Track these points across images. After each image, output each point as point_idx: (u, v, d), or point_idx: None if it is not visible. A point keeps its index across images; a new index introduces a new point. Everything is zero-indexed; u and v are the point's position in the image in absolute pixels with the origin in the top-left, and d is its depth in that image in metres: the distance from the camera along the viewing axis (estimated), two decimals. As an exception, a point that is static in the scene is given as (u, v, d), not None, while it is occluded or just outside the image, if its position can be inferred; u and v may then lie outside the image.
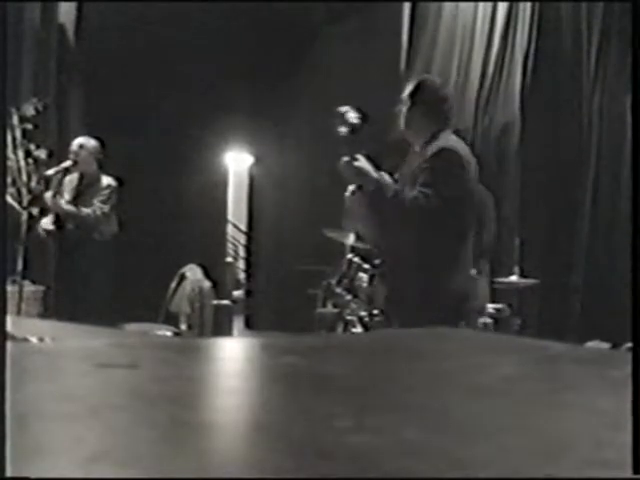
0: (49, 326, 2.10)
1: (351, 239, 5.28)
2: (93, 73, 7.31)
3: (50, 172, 5.80)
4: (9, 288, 5.41)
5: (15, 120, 6.47)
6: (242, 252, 8.93)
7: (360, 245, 5.01)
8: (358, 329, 4.41)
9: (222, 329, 7.00)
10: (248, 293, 8.76)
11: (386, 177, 3.46)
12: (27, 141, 6.57)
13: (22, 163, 6.50)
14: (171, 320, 6.65)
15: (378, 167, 3.48)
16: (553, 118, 6.50)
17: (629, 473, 0.59)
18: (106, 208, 5.73)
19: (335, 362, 1.10)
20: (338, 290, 4.85)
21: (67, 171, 5.70)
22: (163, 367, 1.02)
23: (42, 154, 6.56)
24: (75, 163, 5.68)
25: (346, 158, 3.36)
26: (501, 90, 6.70)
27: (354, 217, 3.64)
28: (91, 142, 5.83)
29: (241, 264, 8.87)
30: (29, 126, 6.60)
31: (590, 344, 4.92)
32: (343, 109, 3.41)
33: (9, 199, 6.10)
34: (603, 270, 6.08)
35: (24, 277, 5.68)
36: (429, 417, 0.77)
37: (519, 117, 6.54)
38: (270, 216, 8.83)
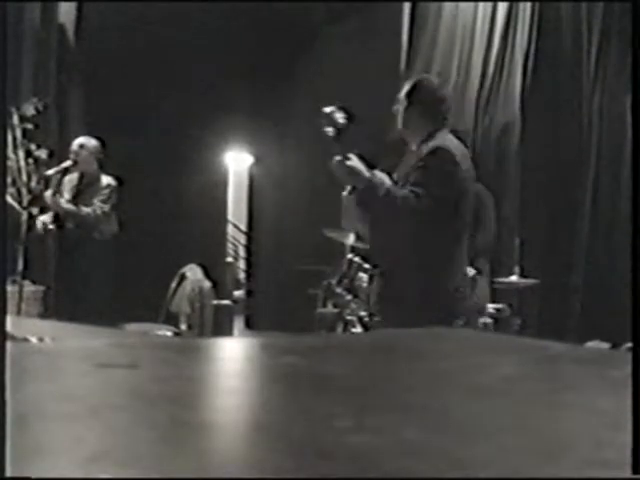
0: (49, 326, 2.10)
1: (351, 239, 5.28)
2: (93, 73, 7.31)
3: (50, 172, 5.80)
4: (9, 288, 5.41)
5: (15, 120, 6.47)
6: (242, 252, 8.93)
7: (360, 245, 5.01)
8: (358, 329, 4.41)
9: (222, 329, 7.00)
10: (248, 293, 8.76)
11: (380, 176, 3.47)
12: (27, 141, 6.57)
13: (22, 163, 6.50)
14: (171, 320, 6.65)
15: (371, 166, 3.49)
16: (553, 118, 6.50)
17: (629, 473, 0.59)
18: (106, 207, 5.74)
19: (335, 362, 1.10)
20: (338, 290, 4.85)
21: (67, 171, 5.71)
22: (163, 367, 1.02)
23: (42, 154, 6.56)
24: (75, 163, 5.69)
25: (338, 157, 3.38)
26: (501, 90, 6.70)
27: (352, 217, 3.65)
28: (91, 142, 5.83)
29: (241, 264, 8.87)
30: (29, 126, 6.60)
31: (590, 344, 4.92)
32: (329, 109, 3.42)
33: (9, 199, 6.10)
34: (603, 270, 6.08)
35: (24, 277, 5.69)
36: (429, 417, 0.77)
37: (519, 117, 6.54)
38: (270, 216, 8.83)
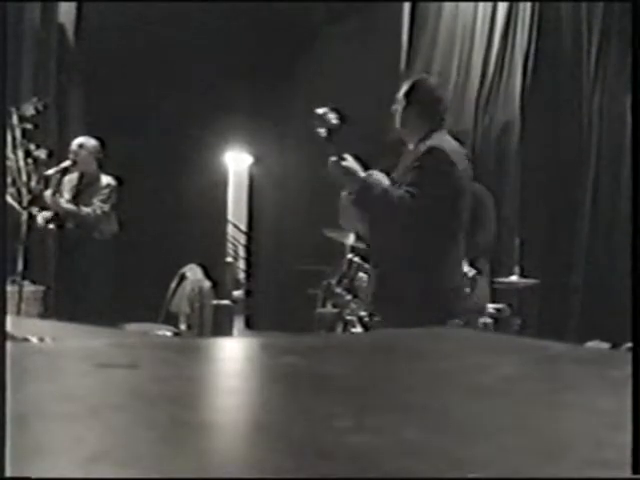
0: (49, 326, 2.10)
1: (351, 239, 5.28)
2: (93, 73, 7.31)
3: (50, 172, 5.80)
4: (9, 288, 5.41)
5: (15, 120, 6.47)
6: (242, 252, 8.94)
7: (360, 245, 5.01)
8: (358, 329, 4.41)
9: (222, 329, 7.00)
10: (248, 293, 8.76)
11: (377, 176, 3.48)
12: (27, 141, 6.57)
13: (22, 163, 6.49)
14: (171, 320, 6.65)
15: (369, 167, 3.50)
16: (553, 118, 6.50)
17: (629, 473, 0.59)
18: (106, 207, 5.74)
19: (335, 362, 1.10)
20: (338, 290, 4.86)
21: (66, 170, 5.71)
22: (163, 367, 1.02)
23: (42, 154, 6.56)
24: (75, 163, 5.69)
25: (334, 158, 3.39)
26: (501, 90, 6.70)
27: (349, 216, 3.66)
28: (91, 142, 5.83)
29: (241, 264, 8.88)
30: (29, 126, 6.59)
31: (590, 344, 4.92)
32: (321, 110, 3.43)
33: (9, 199, 6.10)
34: (603, 270, 6.07)
35: (24, 277, 5.68)
36: (429, 417, 0.77)
37: (519, 117, 6.54)
38: (270, 216, 8.83)
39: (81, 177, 5.79)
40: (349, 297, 4.74)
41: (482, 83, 6.75)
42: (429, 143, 3.43)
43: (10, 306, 5.27)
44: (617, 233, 5.93)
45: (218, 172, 8.73)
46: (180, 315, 6.77)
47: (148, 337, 3.26)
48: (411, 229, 3.38)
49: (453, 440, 0.68)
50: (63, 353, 1.14)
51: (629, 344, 3.42)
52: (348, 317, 4.63)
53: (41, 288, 6.29)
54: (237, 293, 8.33)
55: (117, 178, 5.85)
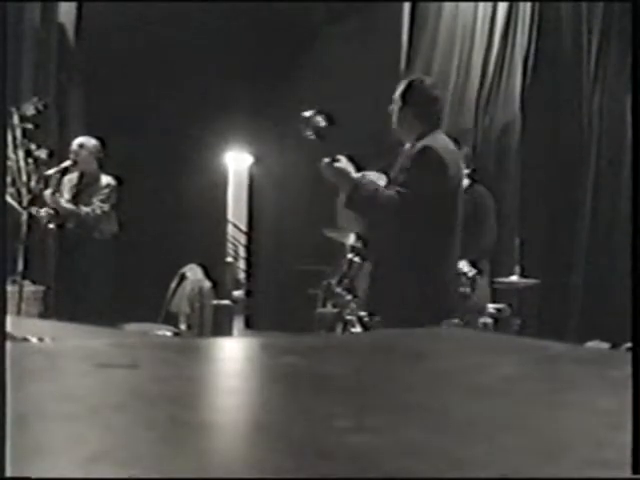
0: (49, 326, 2.10)
1: (351, 239, 5.27)
2: (93, 73, 7.31)
3: (50, 172, 5.80)
4: (9, 288, 5.41)
5: (15, 120, 6.47)
6: (242, 252, 8.94)
7: (360, 245, 5.01)
8: (358, 329, 4.41)
9: (222, 329, 7.00)
10: (248, 293, 8.77)
11: (370, 177, 3.49)
12: (27, 141, 6.57)
13: (22, 163, 6.49)
14: (171, 320, 6.65)
15: (359, 168, 3.51)
16: (553, 118, 6.50)
17: (629, 473, 0.59)
18: (106, 207, 5.74)
19: (335, 362, 1.10)
20: (338, 290, 4.85)
21: (66, 170, 5.71)
22: (163, 367, 1.02)
23: (42, 154, 6.56)
24: (75, 162, 5.69)
25: (327, 159, 3.40)
26: (501, 90, 6.70)
27: (347, 217, 3.67)
28: (91, 141, 5.83)
29: (241, 264, 8.88)
30: (29, 126, 6.59)
31: (590, 344, 4.92)
32: (309, 113, 3.44)
33: (9, 199, 6.10)
34: (603, 270, 6.07)
35: (24, 277, 5.69)
36: (429, 417, 0.77)
37: (519, 117, 6.54)
38: (270, 216, 8.83)
39: (81, 177, 5.79)
40: (349, 297, 4.73)
41: (482, 83, 6.75)
42: (422, 143, 3.43)
43: (10, 306, 5.27)
44: (617, 233, 5.93)
45: (218, 172, 8.73)
46: (180, 315, 6.78)
47: (148, 337, 3.26)
48: (402, 229, 3.39)
49: (453, 440, 0.68)
50: (63, 353, 1.14)
51: (629, 344, 3.41)
52: (348, 317, 4.62)
53: (41, 288, 6.29)
54: (237, 293, 8.33)
55: (117, 178, 5.85)
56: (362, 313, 4.38)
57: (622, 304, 4.76)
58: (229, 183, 8.89)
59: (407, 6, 7.32)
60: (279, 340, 1.91)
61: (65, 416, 0.72)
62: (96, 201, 5.72)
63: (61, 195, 5.72)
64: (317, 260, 6.51)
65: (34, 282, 6.26)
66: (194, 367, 1.06)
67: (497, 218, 5.45)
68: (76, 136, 5.99)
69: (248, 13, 7.77)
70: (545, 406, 0.82)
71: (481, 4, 6.88)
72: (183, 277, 6.94)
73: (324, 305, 5.78)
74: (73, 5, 7.32)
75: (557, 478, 0.59)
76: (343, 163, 3.43)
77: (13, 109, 6.43)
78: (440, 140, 3.50)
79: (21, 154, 6.51)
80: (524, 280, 5.39)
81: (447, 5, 7.09)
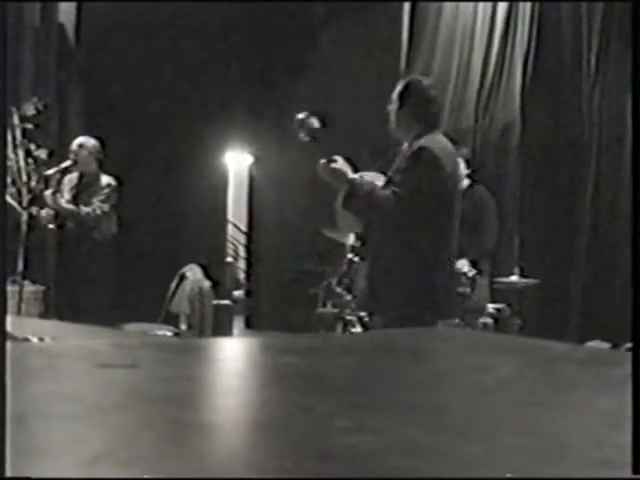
0: (49, 326, 2.10)
1: (351, 239, 5.28)
2: (93, 73, 7.31)
3: (50, 172, 5.80)
4: (9, 288, 5.41)
5: (15, 120, 6.47)
6: (242, 252, 8.94)
7: (360, 245, 5.01)
8: (358, 329, 4.41)
9: (222, 329, 7.00)
10: (248, 293, 8.76)
11: (367, 177, 3.50)
12: (27, 141, 6.57)
13: (22, 163, 6.50)
14: (171, 320, 6.65)
15: (356, 168, 3.51)
16: (553, 118, 6.50)
17: (629, 473, 0.59)
18: (106, 207, 5.73)
19: (335, 362, 1.10)
20: (338, 290, 4.86)
21: (66, 170, 5.71)
22: (163, 367, 1.02)
23: (42, 154, 6.56)
24: (75, 163, 5.69)
25: (323, 160, 3.41)
26: (501, 90, 6.70)
27: (346, 217, 3.67)
28: (91, 141, 5.83)
29: (241, 264, 8.88)
30: (29, 126, 6.60)
31: (590, 344, 4.92)
32: (302, 115, 3.44)
33: (9, 199, 6.10)
34: (603, 270, 6.07)
35: (24, 277, 5.69)
36: (429, 417, 0.77)
37: (519, 117, 6.54)
38: (270, 216, 8.83)
39: (81, 177, 5.79)
40: (349, 297, 4.74)
41: (482, 83, 6.75)
42: (419, 143, 3.44)
43: (10, 306, 5.27)
44: (617, 233, 5.93)
45: (218, 172, 8.73)
46: (180, 315, 6.77)
47: (148, 337, 3.26)
48: (399, 229, 3.39)
49: (453, 440, 0.68)
50: (63, 353, 1.14)
51: (629, 344, 3.42)
52: (348, 317, 4.63)
53: (41, 288, 6.30)
54: (237, 293, 8.33)
55: (117, 178, 5.85)
56: (362, 313, 4.39)
57: (622, 304, 4.77)
58: (229, 183, 8.89)
59: (407, 6, 7.32)
60: (279, 340, 1.91)
61: (65, 416, 0.72)
62: (96, 201, 5.72)
63: (61, 195, 5.71)
64: (317, 260, 6.51)
65: (34, 282, 6.26)
66: (194, 367, 1.06)
67: (497, 218, 5.45)
68: (76, 136, 5.98)
69: (248, 13, 7.77)
70: (545, 406, 0.82)
71: (481, 4, 6.88)
72: (183, 277, 6.94)
73: (324, 305, 5.78)
74: (73, 5, 7.32)
75: (557, 478, 0.59)
76: (340, 163, 3.44)
77: (13, 109, 6.43)
78: (437, 140, 3.50)
79: (21, 154, 6.52)
80: (524, 280, 5.39)
81: (447, 5, 7.09)
